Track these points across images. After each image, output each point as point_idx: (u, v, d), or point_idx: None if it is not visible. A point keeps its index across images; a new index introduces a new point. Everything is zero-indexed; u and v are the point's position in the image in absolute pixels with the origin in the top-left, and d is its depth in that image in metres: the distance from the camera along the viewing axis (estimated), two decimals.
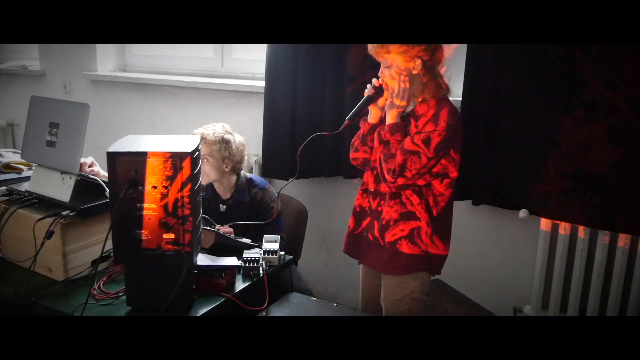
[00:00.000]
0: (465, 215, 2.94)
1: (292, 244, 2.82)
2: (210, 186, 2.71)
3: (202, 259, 2.06)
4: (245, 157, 2.74)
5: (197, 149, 1.79)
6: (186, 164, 1.66)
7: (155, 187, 1.69)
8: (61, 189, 2.08)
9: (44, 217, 1.99)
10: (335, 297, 3.47)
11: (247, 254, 2.17)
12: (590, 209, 2.53)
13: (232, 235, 2.42)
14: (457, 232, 2.23)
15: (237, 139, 2.69)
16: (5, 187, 2.25)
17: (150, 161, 1.63)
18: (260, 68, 3.33)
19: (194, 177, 1.72)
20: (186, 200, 1.66)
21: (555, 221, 2.67)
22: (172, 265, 1.75)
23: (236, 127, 2.80)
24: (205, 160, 2.58)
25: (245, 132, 2.99)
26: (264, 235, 2.29)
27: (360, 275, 2.44)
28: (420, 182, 2.06)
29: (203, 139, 2.59)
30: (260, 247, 2.26)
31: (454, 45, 2.11)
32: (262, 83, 3.23)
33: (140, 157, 1.63)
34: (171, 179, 1.65)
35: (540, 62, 2.54)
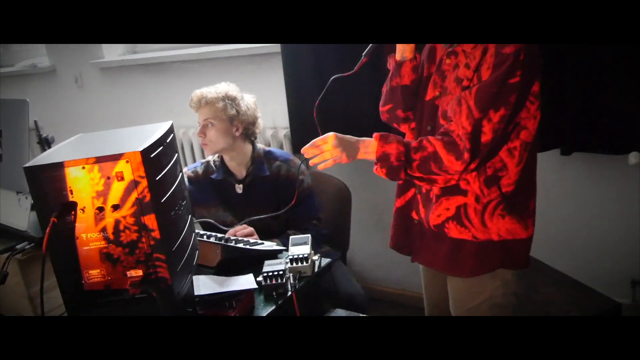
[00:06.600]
0: (553, 169, 2.28)
1: (336, 233, 2.28)
2: (221, 165, 2.21)
3: (206, 284, 1.54)
4: (260, 121, 2.22)
5: (161, 142, 1.25)
6: (125, 169, 1.12)
7: (100, 210, 1.16)
8: (17, 214, 1.60)
9: None
10: (402, 282, 2.92)
11: (268, 265, 1.63)
12: None
13: (253, 238, 1.89)
14: (545, 192, 1.61)
15: (245, 96, 2.21)
16: None
17: (71, 173, 1.10)
18: None
19: (155, 185, 1.18)
20: (130, 220, 1.13)
21: None
22: (150, 309, 1.23)
23: (260, 98, 2.32)
24: (209, 124, 2.11)
25: (271, 102, 2.47)
26: (290, 237, 1.75)
27: (421, 272, 1.87)
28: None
29: (203, 98, 2.13)
30: (287, 249, 1.73)
31: None
32: None
33: (56, 170, 1.10)
34: (104, 194, 1.12)
35: None
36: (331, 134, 1.48)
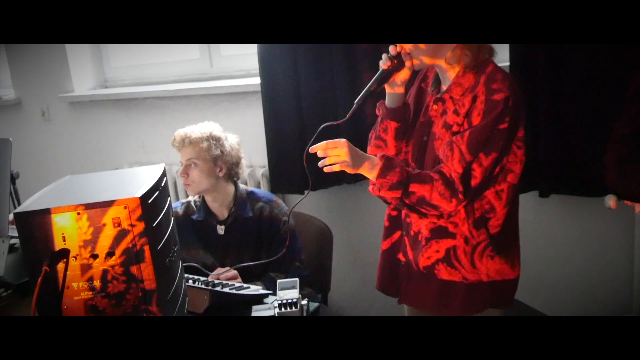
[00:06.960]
0: (531, 210, 2.32)
1: (318, 274, 2.25)
2: (202, 205, 2.16)
3: None
4: (243, 162, 2.21)
5: (157, 187, 1.22)
6: (122, 215, 1.08)
7: (95, 257, 1.12)
8: None
9: None
10: None
11: (257, 310, 1.59)
12: None
13: (237, 282, 1.85)
14: (523, 233, 1.66)
15: (229, 136, 2.19)
16: None
17: (58, 221, 1.06)
18: (255, 63, 2.76)
19: (152, 231, 1.15)
20: (118, 270, 1.10)
21: None
22: None
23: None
24: (192, 164, 2.08)
25: (248, 140, 2.45)
26: (278, 281, 1.71)
27: (406, 312, 1.87)
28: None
29: (186, 138, 2.10)
30: (274, 292, 1.69)
31: None
32: (259, 80, 2.65)
33: (46, 217, 1.06)
34: (93, 243, 1.08)
35: None
36: (343, 140, 1.49)
